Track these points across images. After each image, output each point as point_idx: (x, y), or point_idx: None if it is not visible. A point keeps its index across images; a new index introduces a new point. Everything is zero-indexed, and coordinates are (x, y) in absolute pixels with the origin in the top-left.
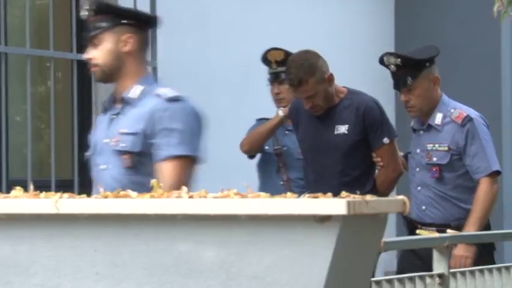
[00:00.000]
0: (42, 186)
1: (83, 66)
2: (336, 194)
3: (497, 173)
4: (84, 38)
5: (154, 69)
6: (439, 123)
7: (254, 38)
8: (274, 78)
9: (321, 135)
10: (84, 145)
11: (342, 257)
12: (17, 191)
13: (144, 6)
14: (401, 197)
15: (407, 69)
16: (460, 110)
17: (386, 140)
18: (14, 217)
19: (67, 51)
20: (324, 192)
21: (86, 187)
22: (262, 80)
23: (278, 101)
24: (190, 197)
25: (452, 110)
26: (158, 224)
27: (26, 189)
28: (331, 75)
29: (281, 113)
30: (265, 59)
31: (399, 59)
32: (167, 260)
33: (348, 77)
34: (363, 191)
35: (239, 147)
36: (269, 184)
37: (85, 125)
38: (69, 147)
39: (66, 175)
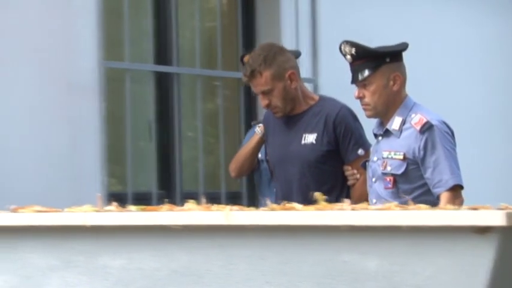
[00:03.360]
0: (212, 198)
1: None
2: None
3: (460, 187)
4: None
5: (316, 86)
6: (397, 128)
7: (407, 53)
8: None
9: (288, 146)
10: None
11: (502, 267)
12: (191, 203)
13: (305, 27)
14: None
15: (363, 61)
16: (421, 115)
17: (361, 152)
18: (189, 228)
19: (234, 71)
20: None
21: (253, 199)
22: (419, 95)
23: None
24: (353, 209)
25: (413, 115)
26: (323, 235)
27: (197, 201)
28: (293, 73)
29: (259, 130)
30: (243, 63)
31: (354, 49)
32: (333, 270)
33: (494, 82)
34: None
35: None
36: (264, 193)
37: None
38: None
39: (235, 188)
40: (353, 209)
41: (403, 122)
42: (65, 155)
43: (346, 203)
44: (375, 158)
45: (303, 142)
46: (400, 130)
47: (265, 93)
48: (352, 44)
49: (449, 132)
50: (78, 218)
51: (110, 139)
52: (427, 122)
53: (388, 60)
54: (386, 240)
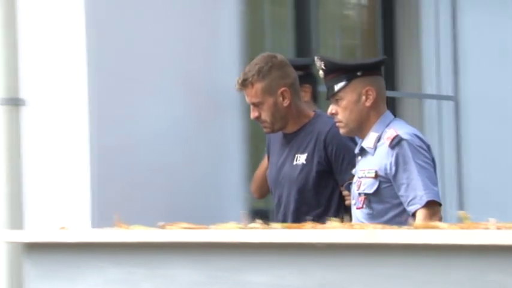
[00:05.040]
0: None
1: (392, 102)
2: None
3: (436, 203)
4: None
5: (457, 103)
6: (371, 145)
7: None
8: None
9: (282, 167)
10: None
11: None
12: (334, 221)
13: (446, 42)
14: None
15: (334, 75)
16: (394, 129)
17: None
18: (332, 246)
19: None
20: None
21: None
22: None
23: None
24: (498, 228)
25: (387, 130)
26: (469, 254)
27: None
28: (286, 91)
29: None
30: None
31: (323, 63)
32: None
33: None
34: None
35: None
36: None
37: None
38: None
39: None
40: (498, 228)
41: (378, 139)
42: (208, 171)
43: (491, 222)
44: (355, 179)
45: (294, 163)
46: (375, 147)
47: (255, 105)
48: (322, 59)
49: (424, 146)
50: (224, 234)
51: (251, 156)
52: (397, 136)
53: (359, 74)
54: None
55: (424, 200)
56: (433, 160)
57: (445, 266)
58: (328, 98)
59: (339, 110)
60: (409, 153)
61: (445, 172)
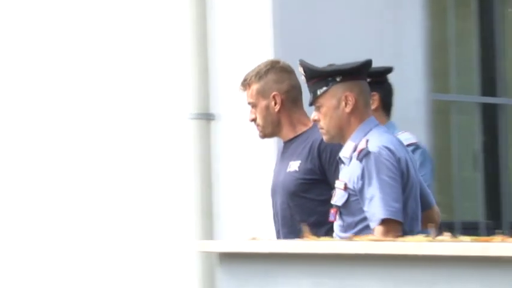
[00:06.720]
0: None
1: None
2: None
3: (394, 221)
4: None
5: None
6: (347, 155)
7: None
8: None
9: (278, 176)
10: None
11: None
12: None
13: None
14: None
15: (314, 81)
16: (366, 139)
17: None
18: None
19: None
20: None
21: None
22: None
23: None
24: None
25: (363, 140)
26: None
27: None
28: (277, 95)
29: None
30: None
31: (302, 69)
32: None
33: None
34: None
35: None
36: None
37: None
38: None
39: None
40: None
41: (354, 148)
42: None
43: None
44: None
45: (287, 170)
46: (350, 157)
47: (252, 107)
48: (302, 64)
49: (391, 160)
50: (412, 247)
51: (435, 169)
52: (364, 149)
53: (338, 79)
54: None
55: (378, 218)
56: (403, 174)
57: None
58: (310, 105)
59: (321, 117)
60: (373, 168)
61: None
